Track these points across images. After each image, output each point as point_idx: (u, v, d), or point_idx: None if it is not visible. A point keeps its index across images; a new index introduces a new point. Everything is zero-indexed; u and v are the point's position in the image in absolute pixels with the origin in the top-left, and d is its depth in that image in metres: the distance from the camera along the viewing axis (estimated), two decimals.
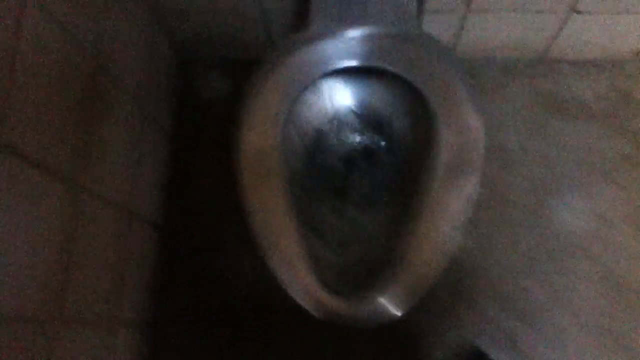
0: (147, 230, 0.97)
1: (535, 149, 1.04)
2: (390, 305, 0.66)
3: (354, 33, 0.76)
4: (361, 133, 0.84)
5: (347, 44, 0.75)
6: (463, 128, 0.70)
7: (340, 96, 0.82)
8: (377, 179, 0.82)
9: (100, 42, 0.77)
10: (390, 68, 0.74)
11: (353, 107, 0.83)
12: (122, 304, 0.86)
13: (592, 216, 1.00)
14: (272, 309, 0.95)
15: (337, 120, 0.83)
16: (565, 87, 1.07)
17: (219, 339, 0.98)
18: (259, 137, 0.73)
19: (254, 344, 0.97)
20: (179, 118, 1.09)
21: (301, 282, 0.67)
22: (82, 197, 0.72)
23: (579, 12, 0.90)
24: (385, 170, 0.82)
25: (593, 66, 1.07)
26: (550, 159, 1.03)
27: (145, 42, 0.94)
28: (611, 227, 0.99)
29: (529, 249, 0.99)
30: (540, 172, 1.02)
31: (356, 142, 0.84)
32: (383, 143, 0.83)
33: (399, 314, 0.67)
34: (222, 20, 0.97)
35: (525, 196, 1.01)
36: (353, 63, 0.75)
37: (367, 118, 0.83)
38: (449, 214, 0.68)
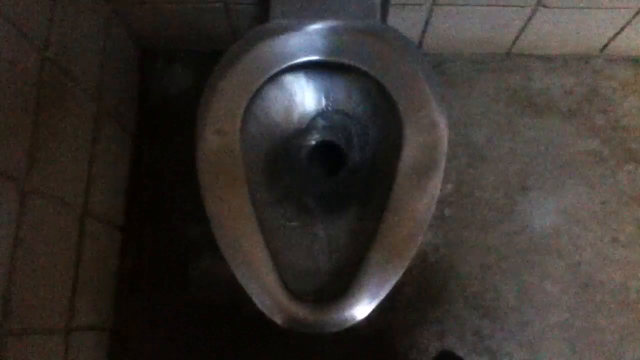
0: (108, 231, 0.93)
1: (503, 145, 1.03)
2: (355, 309, 0.64)
3: (316, 26, 0.74)
4: (325, 130, 0.81)
5: (309, 38, 0.73)
6: (427, 126, 0.68)
7: (302, 91, 0.79)
8: (342, 177, 0.80)
9: (49, 35, 0.73)
10: (353, 63, 0.72)
11: (316, 103, 0.80)
12: (79, 308, 0.83)
13: (559, 213, 1.00)
14: (242, 313, 0.92)
15: (300, 117, 0.80)
16: (533, 82, 1.06)
17: (186, 344, 0.96)
18: (217, 135, 0.70)
19: (222, 350, 0.95)
20: (140, 114, 1.05)
21: (263, 289, 0.64)
22: (29, 198, 0.68)
23: (545, 7, 0.89)
24: (351, 168, 0.80)
25: (560, 61, 1.07)
26: (518, 155, 1.02)
27: (102, 34, 0.90)
28: (578, 223, 0.99)
29: (497, 246, 0.99)
30: (508, 169, 1.02)
31: (320, 139, 0.82)
32: (348, 140, 0.80)
33: (363, 316, 0.64)
34: (184, 11, 0.94)
35: (493, 193, 1.01)
36: (315, 57, 0.73)
37: (331, 114, 0.80)
38: (411, 214, 0.66)
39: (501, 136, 1.03)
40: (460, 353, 0.94)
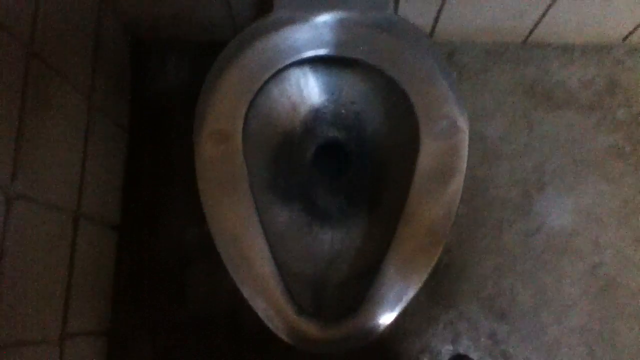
0: (104, 232, 0.89)
1: (519, 140, 0.98)
2: (369, 326, 0.59)
3: (324, 18, 0.68)
4: (333, 129, 0.76)
5: (316, 31, 0.67)
6: (446, 129, 0.63)
7: (309, 88, 0.74)
8: (351, 182, 0.75)
9: (35, 27, 0.67)
10: (364, 59, 0.67)
11: (324, 100, 0.75)
12: (74, 314, 0.79)
13: (577, 212, 0.95)
14: (242, 322, 0.88)
15: (306, 115, 0.75)
16: (550, 73, 1.01)
17: (183, 351, 0.92)
18: (218, 137, 0.65)
19: (221, 356, 0.91)
20: (135, 109, 0.99)
21: (270, 304, 0.59)
22: (16, 205, 0.63)
23: None
24: (360, 171, 0.74)
25: (579, 51, 1.01)
26: (535, 151, 0.97)
27: (92, 25, 0.84)
28: (597, 223, 0.95)
29: (513, 247, 0.94)
30: (524, 165, 0.97)
31: (328, 139, 0.76)
32: (357, 141, 0.75)
33: (377, 334, 0.60)
34: None
35: (509, 190, 0.96)
36: (323, 52, 0.67)
37: (339, 112, 0.75)
38: (429, 224, 0.61)
39: (517, 131, 0.98)
40: (474, 357, 0.91)
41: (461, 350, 0.91)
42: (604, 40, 0.99)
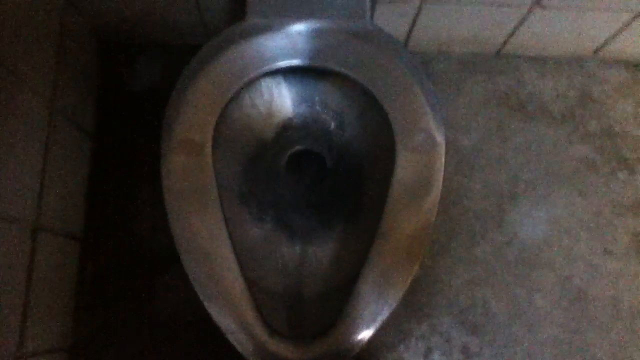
0: (65, 244, 0.85)
1: (493, 151, 0.98)
2: (344, 346, 0.57)
3: (298, 27, 0.66)
4: (307, 140, 0.74)
5: (290, 40, 0.65)
6: (423, 143, 0.61)
7: (282, 98, 0.71)
8: (326, 194, 0.73)
9: None
10: (339, 69, 0.65)
11: (298, 111, 0.73)
12: (31, 332, 0.75)
13: (550, 223, 0.95)
14: (215, 329, 0.85)
15: (279, 126, 0.73)
16: (524, 84, 1.01)
17: None
18: (186, 147, 0.62)
19: None
20: (100, 114, 0.96)
21: (240, 325, 0.57)
22: None
23: (543, 7, 0.83)
24: (336, 183, 0.72)
25: (552, 63, 1.01)
26: (508, 162, 0.97)
27: (56, 26, 0.80)
28: (569, 234, 0.95)
29: (486, 258, 0.93)
30: (497, 176, 0.97)
31: (302, 150, 0.74)
32: (332, 151, 0.73)
33: (352, 354, 0.58)
34: (149, 0, 0.84)
35: (482, 202, 0.96)
36: (297, 62, 0.65)
37: (313, 123, 0.73)
38: (405, 240, 0.60)
39: (491, 142, 0.98)
40: None
41: None
42: (577, 53, 1.00)
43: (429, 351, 0.90)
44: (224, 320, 0.57)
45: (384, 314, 0.58)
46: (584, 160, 0.98)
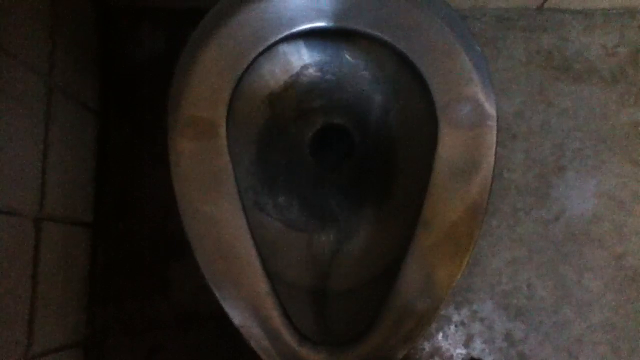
0: (73, 232, 0.80)
1: (535, 118, 0.89)
2: (383, 355, 0.50)
3: None
4: (332, 114, 0.65)
5: None
6: (470, 115, 0.52)
7: (304, 66, 0.63)
8: (355, 175, 0.65)
9: None
10: (369, 31, 0.56)
11: (321, 81, 0.64)
12: (41, 330, 0.71)
13: (600, 196, 0.87)
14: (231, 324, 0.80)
15: (300, 100, 0.64)
16: (569, 42, 0.91)
17: (169, 352, 0.85)
18: (197, 126, 0.54)
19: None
20: (104, 87, 0.89)
21: (267, 333, 0.50)
22: None
23: None
24: (366, 163, 0.64)
25: (601, 16, 0.91)
26: (553, 130, 0.89)
27: None
28: (621, 208, 0.87)
29: (530, 237, 0.87)
30: (541, 145, 0.89)
31: (327, 126, 0.66)
32: (361, 127, 0.65)
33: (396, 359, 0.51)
34: None
35: (525, 174, 0.88)
36: (320, 24, 0.56)
37: (339, 95, 0.64)
38: (451, 229, 0.52)
39: (533, 107, 0.89)
40: None
41: (474, 354, 0.84)
42: (629, 4, 0.90)
43: (469, 339, 0.84)
44: (246, 325, 0.50)
45: (429, 318, 0.51)
46: (636, 125, 0.89)
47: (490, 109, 0.53)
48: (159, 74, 0.89)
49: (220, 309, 0.78)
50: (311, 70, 0.63)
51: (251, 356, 0.80)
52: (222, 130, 0.55)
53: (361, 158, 0.65)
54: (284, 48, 0.61)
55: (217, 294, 0.51)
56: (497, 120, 0.54)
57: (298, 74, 0.63)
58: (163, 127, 0.58)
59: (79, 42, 0.83)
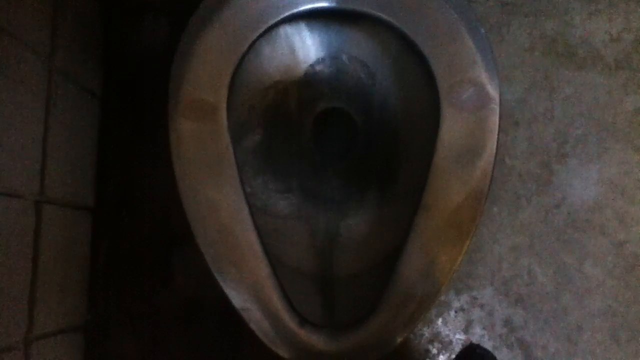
0: (75, 216, 0.80)
1: (538, 104, 0.88)
2: (384, 337, 0.50)
3: None
4: (334, 97, 0.65)
5: None
6: (473, 98, 0.52)
7: (305, 49, 0.62)
8: (358, 159, 0.64)
9: None
10: (371, 11, 0.55)
11: (323, 64, 0.63)
12: (41, 313, 0.71)
13: (603, 184, 0.86)
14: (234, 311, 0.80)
15: (302, 83, 0.64)
16: (573, 28, 0.90)
17: (171, 341, 0.84)
18: (198, 108, 0.54)
19: (212, 349, 0.83)
20: (107, 71, 0.88)
21: (267, 315, 0.50)
22: None
23: None
24: (369, 146, 0.64)
25: (605, 2, 0.90)
26: (556, 116, 0.88)
27: None
28: (624, 196, 0.86)
29: (531, 223, 0.86)
30: (544, 132, 0.87)
31: (329, 109, 0.65)
32: (364, 110, 0.64)
33: (395, 345, 0.51)
34: None
35: (527, 161, 0.87)
36: (322, 4, 0.56)
37: (341, 77, 0.64)
38: (452, 213, 0.51)
39: (536, 94, 0.88)
40: (488, 346, 0.84)
41: (474, 340, 0.84)
42: None
43: (469, 325, 0.84)
44: (246, 307, 0.50)
45: (430, 301, 0.51)
46: None
47: (494, 92, 0.52)
48: (163, 59, 0.88)
49: (222, 294, 0.79)
50: (312, 54, 0.62)
51: (252, 342, 0.80)
52: (223, 113, 0.54)
53: (364, 143, 0.65)
54: (285, 30, 0.61)
55: (217, 277, 0.51)
56: (500, 104, 0.53)
57: (298, 57, 0.62)
58: (165, 113, 0.58)
59: (81, 26, 0.82)
